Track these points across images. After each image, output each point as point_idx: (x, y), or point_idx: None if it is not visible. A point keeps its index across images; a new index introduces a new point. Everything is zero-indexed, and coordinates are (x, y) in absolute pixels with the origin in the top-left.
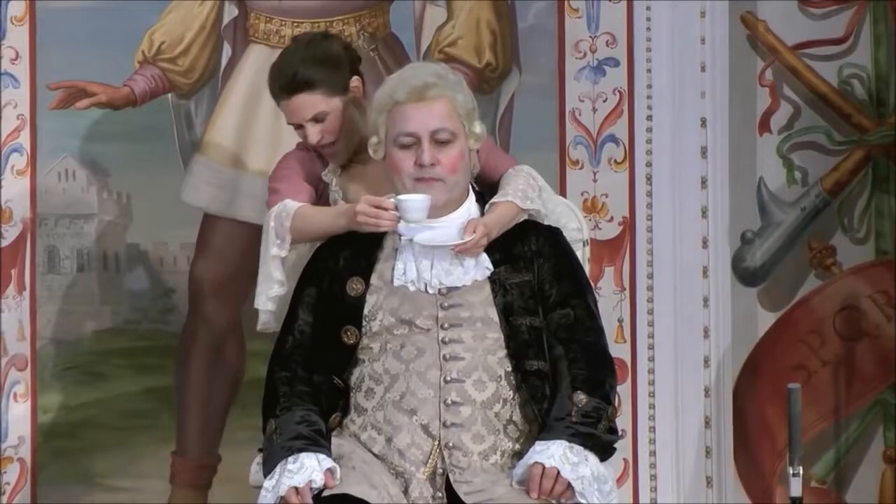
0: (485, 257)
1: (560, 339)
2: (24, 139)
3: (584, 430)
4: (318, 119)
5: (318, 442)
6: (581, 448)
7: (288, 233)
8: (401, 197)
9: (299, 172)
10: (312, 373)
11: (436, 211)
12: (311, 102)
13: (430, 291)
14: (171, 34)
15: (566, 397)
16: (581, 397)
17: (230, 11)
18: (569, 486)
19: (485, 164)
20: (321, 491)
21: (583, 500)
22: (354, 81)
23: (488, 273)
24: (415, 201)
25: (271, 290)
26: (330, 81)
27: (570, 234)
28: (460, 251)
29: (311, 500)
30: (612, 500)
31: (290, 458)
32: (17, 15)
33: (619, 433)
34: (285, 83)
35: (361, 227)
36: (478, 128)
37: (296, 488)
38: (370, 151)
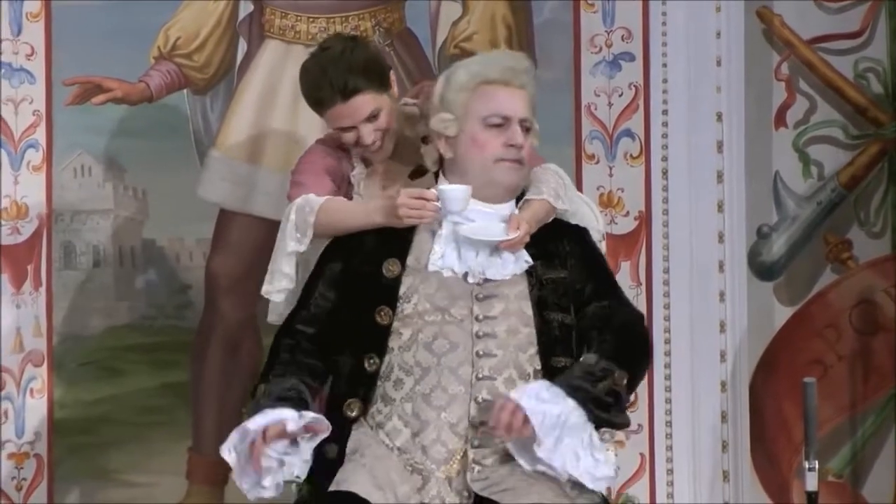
0: (524, 252)
1: (596, 326)
2: (40, 135)
3: (576, 382)
4: (372, 117)
5: (303, 405)
6: (561, 392)
7: (310, 227)
8: (442, 187)
9: (323, 166)
10: (319, 346)
11: (502, 195)
12: (366, 102)
13: (471, 280)
14: (186, 30)
15: (580, 361)
16: (590, 358)
17: (245, 7)
18: (527, 420)
19: None
20: (326, 487)
21: (539, 438)
22: (392, 75)
23: (527, 267)
24: (457, 191)
25: (280, 284)
26: (378, 80)
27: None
28: (506, 247)
29: (273, 441)
30: (600, 478)
31: (269, 410)
32: (32, 11)
33: (626, 400)
34: (339, 90)
35: (403, 221)
36: (536, 125)
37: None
38: (439, 127)
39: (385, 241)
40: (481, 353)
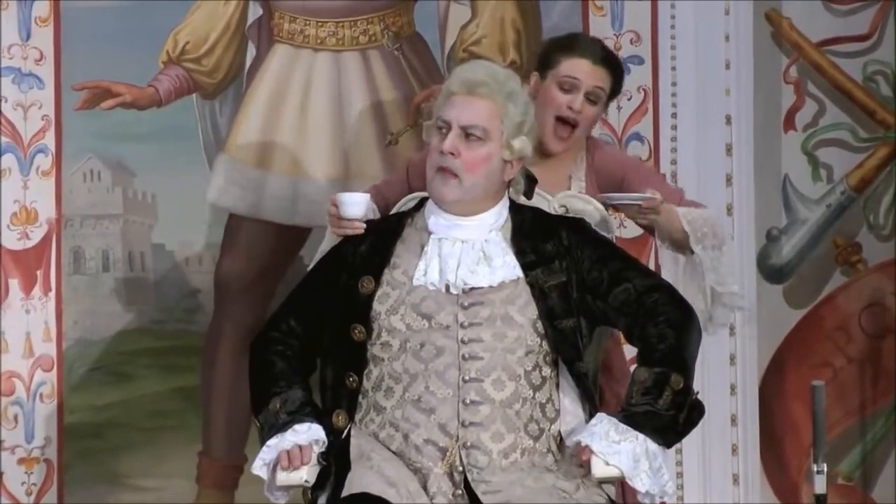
0: (512, 258)
1: (626, 312)
2: (49, 140)
3: (639, 409)
4: (594, 96)
5: (322, 420)
6: (630, 428)
7: None
8: (338, 194)
9: (400, 175)
10: (305, 342)
11: (462, 208)
12: (605, 80)
13: (453, 291)
14: (195, 34)
15: (632, 378)
16: (641, 373)
17: (254, 11)
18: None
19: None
20: (339, 491)
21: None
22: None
23: (515, 276)
24: (350, 196)
25: None
26: (614, 89)
27: (730, 300)
28: (646, 206)
29: (310, 460)
30: (664, 480)
31: (298, 426)
32: (41, 15)
33: (690, 394)
34: (599, 53)
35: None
36: (518, 143)
37: (300, 447)
38: (424, 134)
39: (366, 256)
40: (467, 356)
